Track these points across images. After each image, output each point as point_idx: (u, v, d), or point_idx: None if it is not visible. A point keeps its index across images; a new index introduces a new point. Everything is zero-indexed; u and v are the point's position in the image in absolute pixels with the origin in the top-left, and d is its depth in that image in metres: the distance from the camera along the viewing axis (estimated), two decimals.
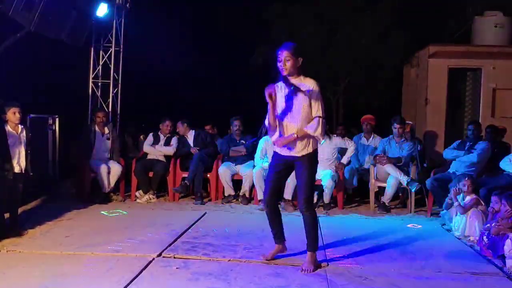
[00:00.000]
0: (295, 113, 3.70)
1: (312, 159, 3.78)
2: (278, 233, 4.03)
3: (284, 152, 3.78)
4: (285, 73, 3.67)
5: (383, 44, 11.03)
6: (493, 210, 4.65)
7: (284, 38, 11.43)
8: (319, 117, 3.67)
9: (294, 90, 3.67)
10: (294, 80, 3.70)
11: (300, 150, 3.73)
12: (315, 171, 3.92)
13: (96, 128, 6.80)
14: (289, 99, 3.71)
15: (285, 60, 3.63)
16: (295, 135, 3.68)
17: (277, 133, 3.79)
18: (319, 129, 3.66)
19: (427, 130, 8.72)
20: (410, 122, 7.16)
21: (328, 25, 11.26)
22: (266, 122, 3.81)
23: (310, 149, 3.75)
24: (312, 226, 3.86)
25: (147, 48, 10.39)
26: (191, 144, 7.09)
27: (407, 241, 4.76)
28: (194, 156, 6.74)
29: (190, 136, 7.15)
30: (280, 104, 3.73)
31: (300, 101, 3.68)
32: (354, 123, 8.79)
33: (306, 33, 11.24)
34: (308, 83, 3.70)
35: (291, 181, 6.19)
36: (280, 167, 3.86)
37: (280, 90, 3.75)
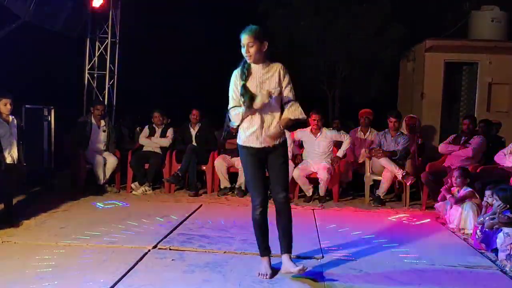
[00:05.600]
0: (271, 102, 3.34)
1: (286, 147, 3.53)
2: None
3: (260, 144, 3.40)
4: (250, 60, 3.34)
5: (380, 37, 11.03)
6: (487, 204, 4.68)
7: (281, 29, 11.48)
8: (295, 100, 3.42)
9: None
10: (260, 68, 3.39)
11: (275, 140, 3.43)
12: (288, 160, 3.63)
13: (93, 120, 6.78)
14: (262, 83, 3.37)
15: (248, 46, 3.30)
16: (281, 127, 3.40)
17: (253, 126, 3.39)
18: (301, 113, 3.42)
19: (423, 124, 8.75)
20: (416, 116, 7.20)
21: (326, 17, 11.25)
22: (235, 117, 3.41)
23: (283, 137, 3.48)
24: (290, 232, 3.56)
25: (144, 39, 10.35)
26: (193, 137, 7.09)
27: (402, 234, 4.78)
28: (188, 148, 6.74)
29: (196, 128, 7.15)
30: (251, 86, 3.37)
31: (273, 87, 3.37)
32: (350, 117, 8.80)
33: (303, 24, 11.22)
34: (276, 66, 3.41)
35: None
36: (260, 162, 3.47)
37: (253, 73, 3.40)
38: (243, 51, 3.34)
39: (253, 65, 3.39)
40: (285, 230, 3.50)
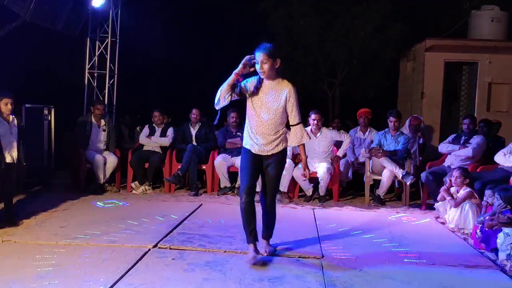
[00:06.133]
0: (272, 114, 3.64)
1: (284, 157, 3.84)
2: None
3: (255, 150, 3.72)
4: (263, 76, 3.60)
5: (380, 37, 11.04)
6: (486, 203, 4.69)
7: (281, 29, 11.49)
8: (300, 123, 3.73)
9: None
10: (270, 83, 3.64)
11: (272, 149, 3.70)
12: (283, 168, 3.94)
13: (93, 120, 6.79)
14: (268, 98, 3.64)
15: (262, 63, 3.55)
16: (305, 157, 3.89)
17: (256, 138, 3.70)
18: (305, 137, 3.76)
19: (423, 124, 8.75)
20: (421, 118, 7.22)
21: (326, 16, 11.25)
22: (220, 92, 3.63)
23: (281, 147, 3.74)
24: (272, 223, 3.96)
25: (144, 39, 10.34)
26: (193, 137, 7.10)
27: (402, 233, 4.78)
28: (188, 148, 6.74)
29: (196, 128, 7.16)
30: (258, 98, 3.66)
31: (278, 102, 3.63)
32: (350, 116, 8.81)
33: (303, 24, 11.23)
34: (285, 85, 3.65)
35: (286, 173, 6.24)
36: (255, 160, 3.77)
37: (263, 86, 3.67)
38: (258, 67, 3.57)
39: (265, 80, 3.64)
40: (268, 224, 3.92)
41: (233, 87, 3.61)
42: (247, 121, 3.75)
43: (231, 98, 3.64)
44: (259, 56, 3.54)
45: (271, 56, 3.54)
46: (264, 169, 3.77)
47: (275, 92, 3.63)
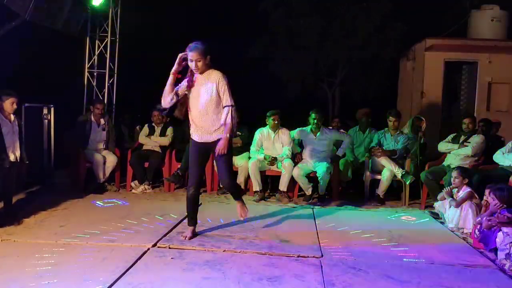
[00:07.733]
0: (208, 103, 4.05)
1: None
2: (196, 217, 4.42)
3: (200, 139, 4.16)
4: (198, 72, 4.02)
5: (380, 36, 11.03)
6: (486, 203, 4.68)
7: (281, 28, 11.47)
8: (229, 106, 4.03)
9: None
10: (202, 76, 4.05)
11: (215, 135, 4.10)
12: (231, 154, 4.31)
13: (92, 119, 6.78)
14: (202, 89, 4.06)
15: (196, 61, 3.96)
16: (227, 135, 4.02)
17: (196, 125, 4.14)
18: (229, 118, 4.03)
19: None
20: (423, 119, 7.23)
21: (326, 16, 11.24)
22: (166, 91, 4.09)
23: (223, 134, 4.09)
24: (238, 195, 4.48)
25: (143, 38, 10.33)
26: None
27: (401, 233, 4.78)
28: (188, 147, 6.73)
29: None
30: (194, 90, 4.08)
31: (210, 93, 4.03)
32: (350, 116, 8.80)
33: (303, 24, 11.21)
34: (215, 75, 4.04)
35: (286, 173, 6.24)
36: (200, 152, 4.23)
37: (196, 80, 4.08)
38: (192, 65, 3.99)
39: (197, 75, 4.07)
40: (234, 194, 4.47)
41: (174, 85, 4.05)
42: (189, 113, 4.15)
43: (176, 99, 4.07)
44: (193, 55, 3.93)
45: (203, 54, 3.96)
46: (214, 158, 4.20)
47: (207, 83, 4.03)
